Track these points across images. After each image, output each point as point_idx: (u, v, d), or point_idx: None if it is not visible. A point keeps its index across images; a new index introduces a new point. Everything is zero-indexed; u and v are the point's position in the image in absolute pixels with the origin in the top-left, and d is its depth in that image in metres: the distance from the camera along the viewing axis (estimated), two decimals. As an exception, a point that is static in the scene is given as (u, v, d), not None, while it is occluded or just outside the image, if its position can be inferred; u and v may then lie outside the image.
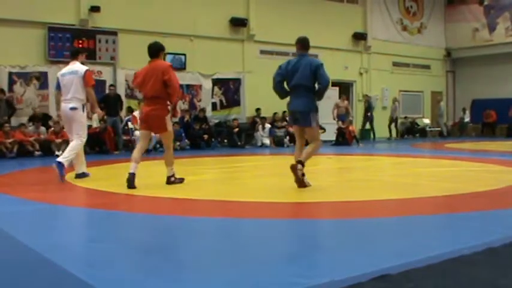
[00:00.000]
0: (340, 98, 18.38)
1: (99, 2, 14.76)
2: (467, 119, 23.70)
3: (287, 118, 17.75)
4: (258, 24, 18.04)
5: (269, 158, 13.05)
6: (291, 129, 17.17)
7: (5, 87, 13.48)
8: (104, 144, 13.62)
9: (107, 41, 15.01)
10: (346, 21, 20.79)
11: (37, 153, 12.67)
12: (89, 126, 14.03)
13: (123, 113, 14.81)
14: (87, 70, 7.87)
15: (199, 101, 16.93)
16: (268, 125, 16.90)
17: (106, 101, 14.08)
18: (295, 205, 5.54)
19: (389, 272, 2.85)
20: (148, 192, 6.37)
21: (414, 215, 4.86)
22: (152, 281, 2.83)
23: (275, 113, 17.64)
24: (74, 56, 8.15)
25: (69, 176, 8.08)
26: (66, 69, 8.02)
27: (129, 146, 14.15)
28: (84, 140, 7.91)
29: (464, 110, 23.78)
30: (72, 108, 7.69)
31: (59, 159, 7.42)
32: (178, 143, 14.92)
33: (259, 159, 12.71)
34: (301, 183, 6.34)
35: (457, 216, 4.71)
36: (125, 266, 3.19)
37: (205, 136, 15.72)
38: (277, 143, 16.74)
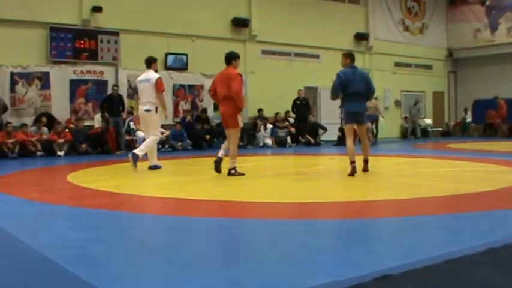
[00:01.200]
0: None
1: (101, 2, 14.77)
2: (469, 119, 23.68)
3: (289, 118, 17.80)
4: (260, 24, 18.05)
5: (271, 158, 13.05)
6: (292, 130, 17.20)
7: (7, 88, 13.51)
8: (106, 144, 13.63)
9: (108, 41, 15.02)
10: (348, 22, 20.79)
11: (39, 153, 12.69)
12: (91, 127, 14.10)
13: (124, 115, 14.77)
14: (158, 78, 9.00)
15: (201, 101, 16.94)
16: (270, 125, 16.90)
17: (109, 101, 14.10)
18: (296, 205, 5.54)
19: (391, 273, 2.85)
20: (150, 192, 6.39)
21: (416, 215, 4.86)
22: (153, 281, 2.84)
23: (277, 113, 17.64)
24: (148, 65, 9.32)
25: (72, 177, 8.10)
26: (142, 76, 9.25)
27: (132, 146, 14.17)
28: (157, 137, 9.28)
29: (466, 110, 23.76)
30: (147, 110, 8.92)
31: (135, 151, 8.81)
32: (180, 143, 14.95)
33: (261, 159, 12.71)
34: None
35: (459, 217, 4.71)
36: (126, 266, 3.20)
37: (207, 136, 15.73)
38: (279, 143, 16.74)
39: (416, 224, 4.47)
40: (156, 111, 9.00)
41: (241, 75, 8.00)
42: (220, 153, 8.09)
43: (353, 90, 7.85)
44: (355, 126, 8.15)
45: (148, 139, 9.02)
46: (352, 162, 7.74)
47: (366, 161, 8.22)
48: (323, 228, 4.41)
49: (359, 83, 7.93)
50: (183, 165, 10.42)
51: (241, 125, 8.09)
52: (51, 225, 4.66)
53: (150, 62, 9.31)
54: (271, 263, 3.20)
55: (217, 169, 7.99)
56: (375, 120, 17.44)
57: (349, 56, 8.12)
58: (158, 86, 8.94)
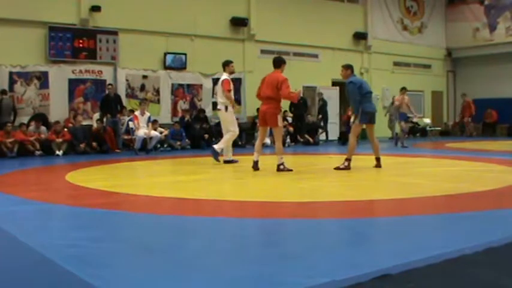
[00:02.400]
0: (400, 92, 16.03)
1: (99, 1, 14.75)
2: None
3: (287, 118, 17.75)
4: (259, 23, 18.04)
5: (269, 158, 13.03)
6: (291, 129, 17.17)
7: (6, 87, 13.49)
8: (104, 144, 13.61)
9: (107, 41, 15.01)
10: (346, 21, 20.78)
11: (38, 152, 12.67)
12: (90, 126, 14.08)
13: (124, 116, 14.74)
14: (224, 79, 9.93)
15: (200, 100, 16.93)
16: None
17: (106, 101, 14.06)
18: (295, 205, 5.54)
19: (390, 272, 2.85)
20: (149, 192, 6.38)
21: (415, 214, 4.87)
22: (153, 280, 2.84)
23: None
24: (223, 67, 10.35)
25: (70, 176, 8.09)
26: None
27: (130, 146, 14.17)
28: (235, 133, 9.99)
29: (465, 109, 23.77)
30: (218, 109, 10.20)
31: (214, 146, 9.88)
32: (179, 143, 14.93)
33: (260, 158, 12.69)
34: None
35: (458, 216, 4.71)
36: (125, 266, 3.20)
37: (206, 136, 15.71)
38: (278, 142, 16.67)
39: (416, 223, 4.47)
40: (226, 109, 9.89)
41: (287, 79, 8.53)
42: (255, 156, 8.58)
43: (367, 91, 8.69)
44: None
45: (226, 134, 9.89)
46: (349, 160, 8.50)
47: (378, 159, 8.81)
48: (322, 227, 4.40)
49: (367, 85, 8.95)
50: (181, 165, 10.41)
51: (280, 124, 8.59)
52: (49, 224, 4.65)
53: (224, 65, 10.28)
54: (270, 263, 3.20)
55: (256, 169, 8.52)
56: (407, 120, 15.97)
57: (350, 68, 8.88)
58: (223, 86, 9.83)
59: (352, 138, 8.78)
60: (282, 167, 8.36)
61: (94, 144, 13.44)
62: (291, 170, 8.34)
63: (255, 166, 8.51)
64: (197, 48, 16.77)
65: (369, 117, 8.70)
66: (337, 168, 8.46)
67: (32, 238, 3.86)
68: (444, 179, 7.39)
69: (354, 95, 8.57)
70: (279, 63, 8.76)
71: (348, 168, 8.43)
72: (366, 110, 8.61)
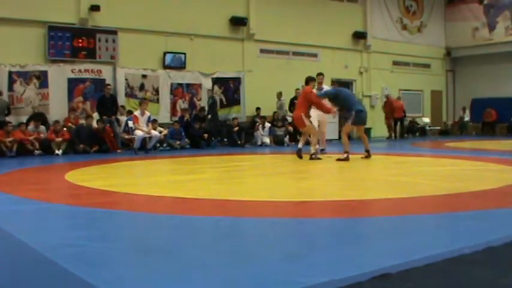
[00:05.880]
0: None
1: (99, 1, 14.75)
2: (467, 118, 23.70)
3: (287, 117, 17.74)
4: (258, 23, 18.04)
5: (269, 157, 13.04)
6: (290, 129, 17.16)
7: (5, 86, 13.48)
8: (104, 143, 13.61)
9: (106, 40, 15.00)
10: (346, 21, 20.79)
11: (37, 152, 12.66)
12: (90, 125, 14.07)
13: (119, 114, 14.74)
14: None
15: (199, 100, 16.92)
16: (268, 124, 16.89)
17: (102, 101, 14.07)
18: (295, 204, 5.54)
19: (389, 271, 2.85)
20: (148, 191, 6.38)
21: (414, 214, 4.87)
22: (152, 280, 2.84)
23: (275, 112, 17.64)
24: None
25: (70, 175, 8.09)
26: None
27: (130, 145, 14.16)
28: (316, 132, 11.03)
29: (464, 109, 23.79)
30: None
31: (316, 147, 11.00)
32: (178, 142, 14.93)
33: (259, 158, 12.70)
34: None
35: (457, 216, 4.71)
36: (125, 265, 3.20)
37: (205, 135, 15.72)
38: (277, 142, 16.72)
39: (415, 222, 4.47)
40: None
41: (312, 91, 10.41)
42: (300, 145, 10.54)
43: (357, 99, 10.85)
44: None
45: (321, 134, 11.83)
46: (348, 152, 10.02)
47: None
48: (321, 226, 4.41)
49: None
50: (181, 164, 10.41)
51: (307, 123, 10.27)
52: (49, 224, 4.65)
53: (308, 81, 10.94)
54: (269, 262, 3.20)
55: (299, 156, 10.26)
56: None
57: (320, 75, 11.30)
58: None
59: (345, 136, 10.42)
60: (313, 156, 10.19)
61: (94, 144, 13.45)
62: (320, 159, 10.22)
63: (298, 153, 10.24)
64: (196, 47, 16.77)
65: (364, 120, 10.59)
66: (340, 160, 9.90)
67: (31, 237, 3.86)
68: (443, 178, 7.39)
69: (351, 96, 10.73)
70: (307, 81, 10.67)
71: (348, 158, 9.85)
72: (362, 114, 10.40)
